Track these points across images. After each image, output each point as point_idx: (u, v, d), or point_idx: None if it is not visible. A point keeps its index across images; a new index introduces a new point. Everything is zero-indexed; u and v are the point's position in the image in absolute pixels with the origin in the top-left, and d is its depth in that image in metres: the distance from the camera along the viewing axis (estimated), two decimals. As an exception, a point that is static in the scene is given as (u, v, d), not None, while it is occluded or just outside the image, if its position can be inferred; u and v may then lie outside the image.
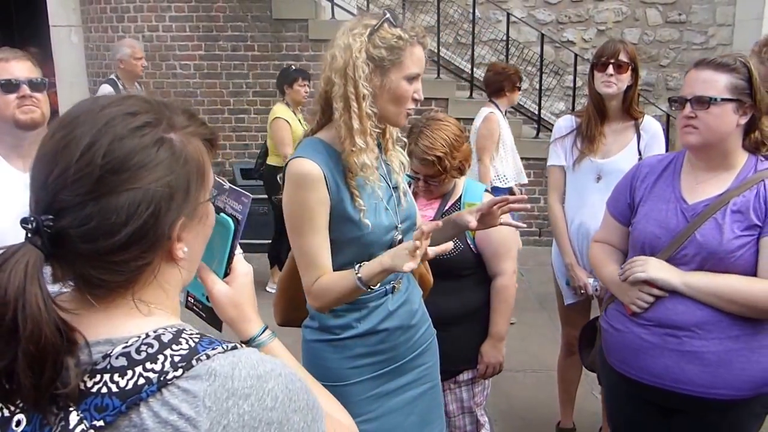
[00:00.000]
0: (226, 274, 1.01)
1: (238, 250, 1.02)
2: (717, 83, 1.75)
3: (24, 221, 0.74)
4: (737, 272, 1.76)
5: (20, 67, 1.93)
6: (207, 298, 1.03)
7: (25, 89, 1.90)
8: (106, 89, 4.49)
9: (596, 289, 2.70)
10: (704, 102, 1.75)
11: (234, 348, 0.79)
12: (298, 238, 1.63)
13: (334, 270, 1.64)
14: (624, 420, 2.09)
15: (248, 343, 1.02)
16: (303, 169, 1.58)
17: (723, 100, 1.74)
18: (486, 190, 2.39)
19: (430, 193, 2.32)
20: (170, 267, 0.83)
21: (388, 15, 1.59)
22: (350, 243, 1.64)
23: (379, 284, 1.62)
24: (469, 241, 2.29)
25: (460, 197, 2.34)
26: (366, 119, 1.58)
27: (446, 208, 2.32)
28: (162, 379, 0.73)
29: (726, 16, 7.63)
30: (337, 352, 1.74)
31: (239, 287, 1.02)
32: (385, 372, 1.78)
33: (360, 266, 1.58)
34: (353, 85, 1.56)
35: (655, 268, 1.83)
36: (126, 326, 0.78)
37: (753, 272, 1.76)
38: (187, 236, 0.83)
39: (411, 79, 1.61)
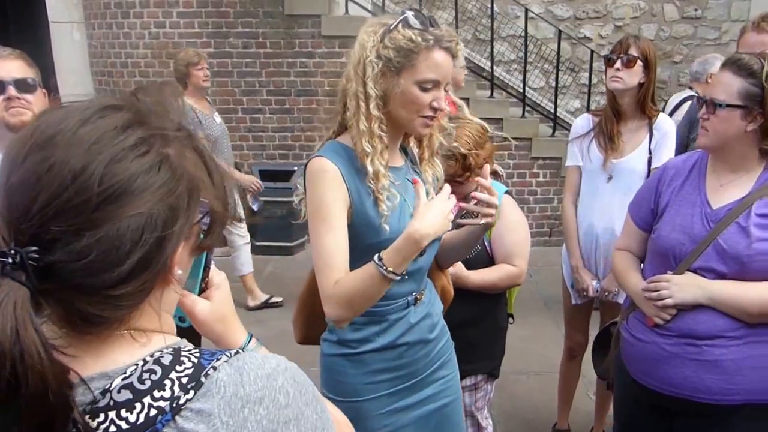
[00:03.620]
0: (201, 290, 0.95)
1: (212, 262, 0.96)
2: (731, 87, 1.74)
3: (2, 255, 0.64)
4: (763, 277, 1.74)
5: (7, 67, 1.82)
6: (180, 319, 0.95)
7: (11, 90, 1.80)
8: None
9: (596, 291, 2.77)
10: (713, 105, 1.76)
11: (237, 353, 0.75)
12: (316, 237, 1.54)
13: None
14: (632, 424, 2.08)
15: None
16: (319, 166, 1.55)
17: (729, 106, 1.73)
18: (507, 192, 2.26)
19: (453, 195, 2.22)
20: (165, 290, 0.77)
21: (406, 15, 1.52)
22: (369, 250, 1.53)
23: (404, 274, 1.49)
24: (486, 244, 2.22)
25: None
26: (373, 121, 1.53)
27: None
28: (175, 405, 0.69)
29: (741, 12, 7.55)
30: (354, 367, 1.69)
31: (221, 300, 0.97)
32: (403, 388, 1.73)
33: (379, 254, 1.47)
34: (362, 84, 1.53)
35: (681, 291, 1.80)
36: (119, 356, 0.72)
37: None
38: (181, 256, 0.76)
39: (424, 85, 1.51)
